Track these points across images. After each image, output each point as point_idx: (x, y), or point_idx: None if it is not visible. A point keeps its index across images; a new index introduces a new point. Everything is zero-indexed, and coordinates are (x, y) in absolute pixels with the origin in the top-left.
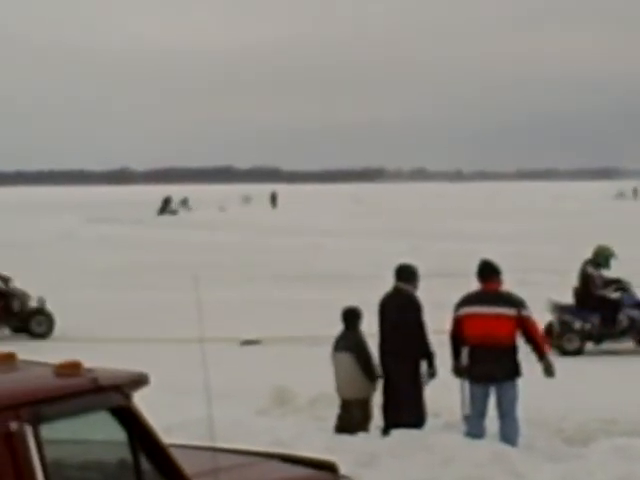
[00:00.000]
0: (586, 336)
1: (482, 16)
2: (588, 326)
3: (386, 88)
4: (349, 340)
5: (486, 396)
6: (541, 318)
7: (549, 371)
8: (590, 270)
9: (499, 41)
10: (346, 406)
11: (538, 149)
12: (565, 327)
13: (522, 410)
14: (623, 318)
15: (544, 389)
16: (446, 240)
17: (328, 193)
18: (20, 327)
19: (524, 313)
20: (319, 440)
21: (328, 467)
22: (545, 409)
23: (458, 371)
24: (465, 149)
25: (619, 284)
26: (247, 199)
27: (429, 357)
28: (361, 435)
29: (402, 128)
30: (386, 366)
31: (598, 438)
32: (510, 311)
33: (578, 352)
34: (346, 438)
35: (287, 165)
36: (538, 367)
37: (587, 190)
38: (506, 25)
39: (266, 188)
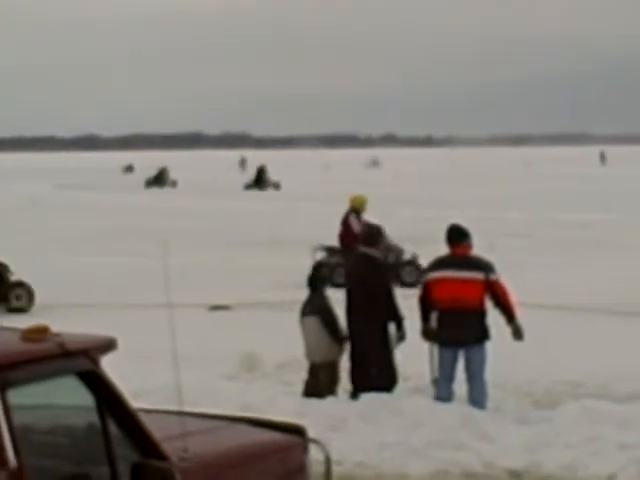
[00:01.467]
0: None
1: None
2: None
3: (356, 55)
4: (315, 304)
5: (455, 360)
6: None
7: (518, 334)
8: None
9: (468, 7)
10: (314, 370)
11: (510, 115)
12: None
13: (491, 373)
14: None
15: (513, 352)
16: (415, 206)
17: (299, 159)
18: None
19: (492, 277)
20: (288, 404)
21: (296, 431)
22: (514, 372)
23: (427, 334)
24: (435, 115)
25: None
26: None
27: (398, 320)
28: (330, 399)
29: (373, 94)
30: (354, 330)
31: (566, 401)
32: (478, 275)
33: None
34: (315, 402)
35: (257, 131)
36: (507, 330)
37: (559, 155)
38: None
39: (236, 154)
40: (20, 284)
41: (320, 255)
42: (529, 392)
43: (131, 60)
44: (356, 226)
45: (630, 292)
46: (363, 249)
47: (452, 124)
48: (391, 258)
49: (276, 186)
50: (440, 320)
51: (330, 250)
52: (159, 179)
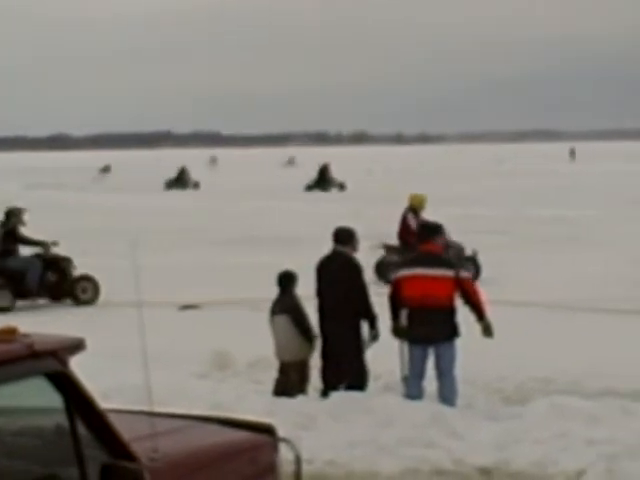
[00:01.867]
0: None
1: None
2: None
3: (327, 52)
4: (285, 303)
5: (425, 357)
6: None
7: (488, 331)
8: None
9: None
10: (284, 369)
11: (480, 112)
12: None
13: (461, 371)
14: None
15: (483, 349)
16: (388, 203)
17: (269, 157)
18: None
19: (462, 274)
20: (258, 403)
21: (266, 430)
22: (484, 369)
23: (397, 332)
24: (406, 112)
25: None
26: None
27: (371, 319)
28: (300, 397)
29: (343, 92)
30: (326, 329)
31: (536, 397)
32: (448, 272)
33: None
34: (285, 401)
35: (227, 129)
36: (477, 327)
37: (530, 152)
38: None
39: (207, 153)
40: (86, 277)
41: (379, 253)
42: (499, 389)
43: (99, 60)
44: (414, 224)
45: (605, 289)
46: (338, 248)
47: (423, 121)
48: (451, 254)
49: (341, 186)
50: (410, 318)
51: (389, 248)
52: (180, 180)
